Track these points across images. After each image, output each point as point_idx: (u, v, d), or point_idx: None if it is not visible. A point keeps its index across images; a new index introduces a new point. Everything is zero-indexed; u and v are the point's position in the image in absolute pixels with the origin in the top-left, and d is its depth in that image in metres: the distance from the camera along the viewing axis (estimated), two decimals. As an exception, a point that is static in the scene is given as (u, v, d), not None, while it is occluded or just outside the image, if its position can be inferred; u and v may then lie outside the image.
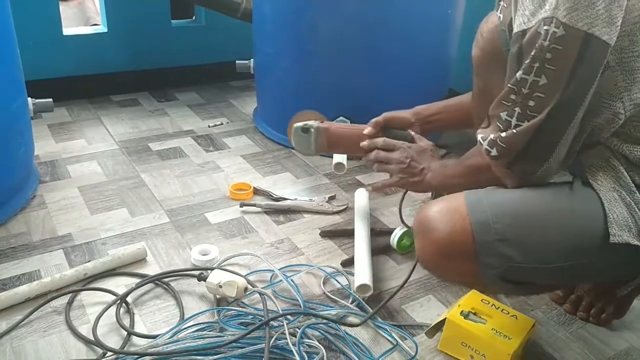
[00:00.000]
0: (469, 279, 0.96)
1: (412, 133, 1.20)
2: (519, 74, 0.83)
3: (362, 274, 1.13)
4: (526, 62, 0.82)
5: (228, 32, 2.23)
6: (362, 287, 1.11)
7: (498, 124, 0.90)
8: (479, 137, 0.93)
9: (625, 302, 1.11)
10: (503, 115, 0.88)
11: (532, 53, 0.81)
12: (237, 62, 2.03)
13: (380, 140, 1.19)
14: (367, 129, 1.22)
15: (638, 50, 0.81)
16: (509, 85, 0.86)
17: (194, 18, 2.29)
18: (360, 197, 1.44)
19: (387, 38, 1.60)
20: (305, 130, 1.26)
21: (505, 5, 0.98)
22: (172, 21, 2.20)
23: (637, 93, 0.84)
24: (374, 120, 1.23)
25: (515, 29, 0.84)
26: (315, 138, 1.25)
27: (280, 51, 1.74)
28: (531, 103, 0.84)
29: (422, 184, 1.13)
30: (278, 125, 1.80)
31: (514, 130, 0.87)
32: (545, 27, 0.78)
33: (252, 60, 1.98)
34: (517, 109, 0.85)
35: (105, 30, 2.08)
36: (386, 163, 1.17)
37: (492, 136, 0.90)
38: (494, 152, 0.90)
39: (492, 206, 0.89)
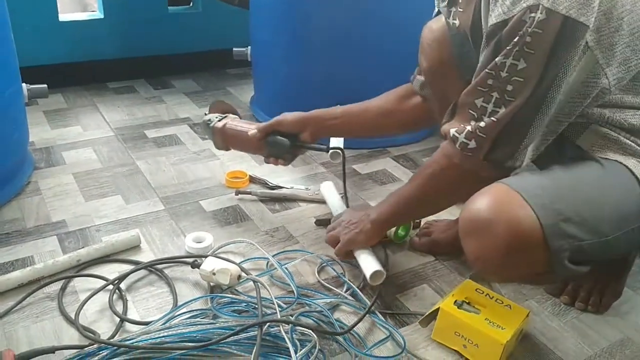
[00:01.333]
0: (538, 270, 0.88)
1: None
2: (498, 59, 0.83)
3: (370, 262, 1.09)
4: (507, 48, 0.82)
5: (225, 19, 2.21)
6: (376, 274, 1.06)
7: (470, 111, 0.88)
8: (452, 131, 0.91)
9: (619, 281, 1.12)
10: (478, 102, 0.87)
11: (515, 40, 0.80)
12: (234, 49, 2.02)
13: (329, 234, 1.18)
14: (252, 132, 1.24)
15: (614, 26, 0.82)
16: (486, 70, 0.85)
17: (191, 5, 2.27)
18: (329, 190, 1.38)
19: (381, 27, 1.59)
20: (207, 125, 1.31)
21: (462, 9, 0.98)
22: (169, 8, 2.18)
23: (616, 67, 0.84)
24: (261, 126, 1.24)
25: (493, 20, 0.83)
26: (213, 136, 1.31)
27: (276, 39, 1.73)
28: (509, 87, 0.83)
29: (365, 228, 1.10)
30: (275, 113, 1.75)
31: (494, 119, 0.86)
32: (532, 15, 0.78)
33: (249, 47, 1.97)
34: (495, 94, 0.85)
35: (102, 16, 2.07)
36: (335, 234, 1.15)
37: (469, 128, 0.89)
38: (472, 144, 0.89)
39: (542, 188, 0.85)
